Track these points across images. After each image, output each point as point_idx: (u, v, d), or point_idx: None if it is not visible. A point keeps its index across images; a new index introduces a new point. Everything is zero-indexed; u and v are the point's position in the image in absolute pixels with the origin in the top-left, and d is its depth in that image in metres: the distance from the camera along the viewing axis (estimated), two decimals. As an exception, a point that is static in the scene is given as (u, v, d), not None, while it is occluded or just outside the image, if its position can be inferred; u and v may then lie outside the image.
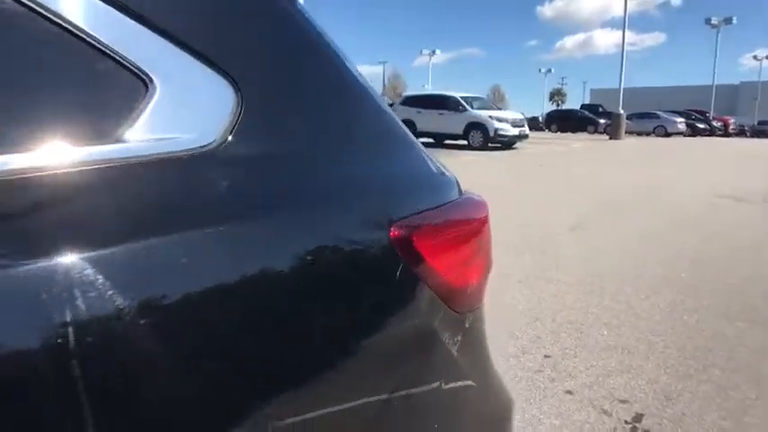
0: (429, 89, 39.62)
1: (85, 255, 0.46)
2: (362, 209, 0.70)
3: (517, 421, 2.16)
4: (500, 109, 21.94)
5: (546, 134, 35.26)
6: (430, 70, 57.36)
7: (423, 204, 0.77)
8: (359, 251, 0.68)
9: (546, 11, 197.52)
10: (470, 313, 0.87)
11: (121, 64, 0.54)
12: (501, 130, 17.99)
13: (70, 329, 0.44)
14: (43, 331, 0.43)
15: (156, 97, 0.56)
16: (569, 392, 2.39)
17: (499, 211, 6.60)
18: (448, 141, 19.37)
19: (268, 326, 0.57)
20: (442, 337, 0.79)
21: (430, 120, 19.02)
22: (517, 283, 3.93)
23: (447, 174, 0.90)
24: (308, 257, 0.61)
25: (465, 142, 18.55)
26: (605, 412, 2.23)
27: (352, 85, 0.77)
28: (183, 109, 0.57)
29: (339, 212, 0.68)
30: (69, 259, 0.45)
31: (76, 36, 0.52)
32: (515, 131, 18.42)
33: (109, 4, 0.54)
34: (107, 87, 0.55)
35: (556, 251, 4.87)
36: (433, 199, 0.80)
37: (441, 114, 18.87)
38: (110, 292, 0.46)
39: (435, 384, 0.81)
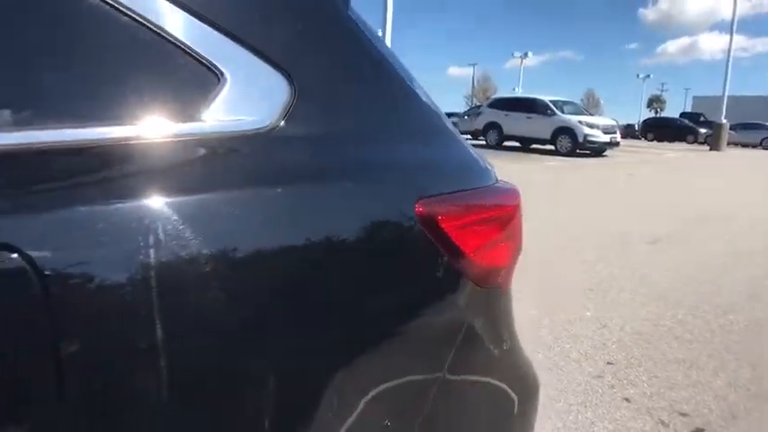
0: (519, 92, 38.98)
1: (169, 200, 0.60)
2: (395, 186, 0.80)
3: (570, 422, 2.18)
4: (592, 114, 21.26)
5: (641, 143, 33.73)
6: (521, 73, 56.21)
7: (454, 187, 0.86)
8: (388, 225, 0.78)
9: (649, 13, 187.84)
10: (496, 291, 0.95)
11: (200, 61, 0.68)
12: (591, 136, 17.44)
13: (152, 252, 0.57)
14: (129, 258, 0.57)
15: (225, 88, 0.69)
16: (627, 400, 2.37)
17: (579, 219, 6.50)
18: (535, 146, 19.03)
19: (299, 283, 0.69)
20: (466, 313, 0.88)
21: (517, 123, 18.77)
22: (588, 290, 3.88)
23: (484, 164, 0.98)
24: (341, 226, 0.72)
25: (552, 147, 18.14)
26: (662, 423, 2.20)
27: (393, 79, 0.87)
28: (246, 97, 0.70)
29: (374, 187, 0.78)
30: (158, 203, 0.60)
31: (165, 38, 0.66)
32: (606, 138, 17.81)
33: (191, 14, 0.67)
34: (190, 79, 0.68)
35: (634, 261, 4.74)
36: (466, 184, 0.89)
37: (528, 118, 18.56)
38: (183, 228, 0.59)
39: (460, 361, 0.89)
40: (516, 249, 0.97)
